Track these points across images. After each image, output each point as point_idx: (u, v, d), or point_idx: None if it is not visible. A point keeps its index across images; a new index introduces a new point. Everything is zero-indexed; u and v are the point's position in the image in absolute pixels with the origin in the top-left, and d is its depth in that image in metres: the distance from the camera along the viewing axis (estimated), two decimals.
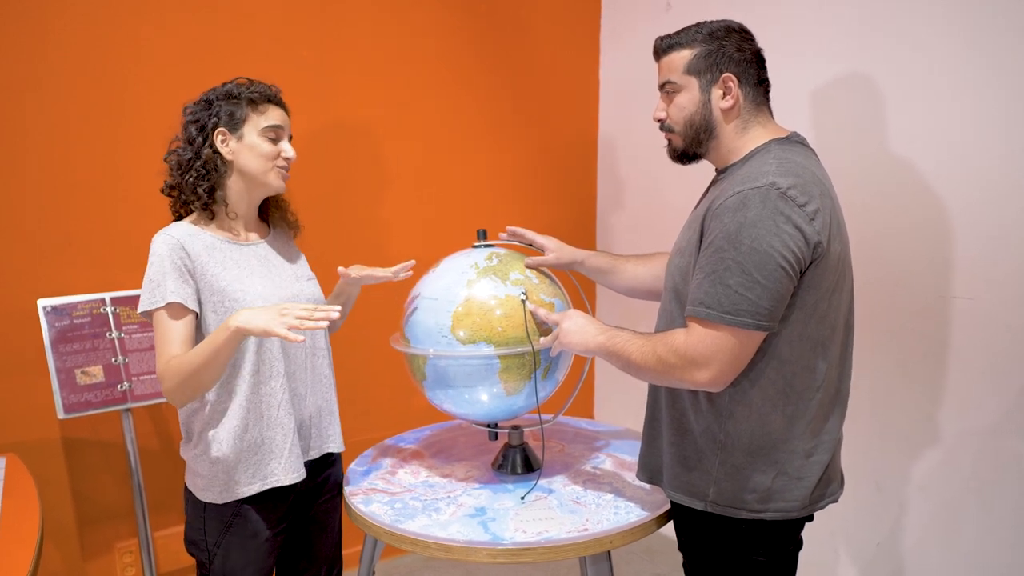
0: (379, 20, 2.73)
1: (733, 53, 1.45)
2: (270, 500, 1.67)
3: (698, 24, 1.49)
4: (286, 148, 1.67)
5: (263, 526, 1.67)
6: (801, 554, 1.54)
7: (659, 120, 1.55)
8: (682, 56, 1.47)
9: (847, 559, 2.39)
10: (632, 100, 3.11)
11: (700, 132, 1.49)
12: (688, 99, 1.48)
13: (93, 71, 2.29)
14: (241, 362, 1.62)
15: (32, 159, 2.23)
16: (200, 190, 1.62)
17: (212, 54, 2.43)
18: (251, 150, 1.63)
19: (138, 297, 1.61)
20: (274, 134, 1.65)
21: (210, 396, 1.62)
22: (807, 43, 2.35)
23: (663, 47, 1.51)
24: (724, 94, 1.46)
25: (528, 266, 1.78)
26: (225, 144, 1.63)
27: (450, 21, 2.88)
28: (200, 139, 1.62)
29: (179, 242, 1.57)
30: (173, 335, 1.55)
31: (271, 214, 1.80)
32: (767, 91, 1.50)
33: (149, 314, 1.58)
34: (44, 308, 2.11)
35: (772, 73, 1.52)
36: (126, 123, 2.34)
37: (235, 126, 1.62)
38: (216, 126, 1.62)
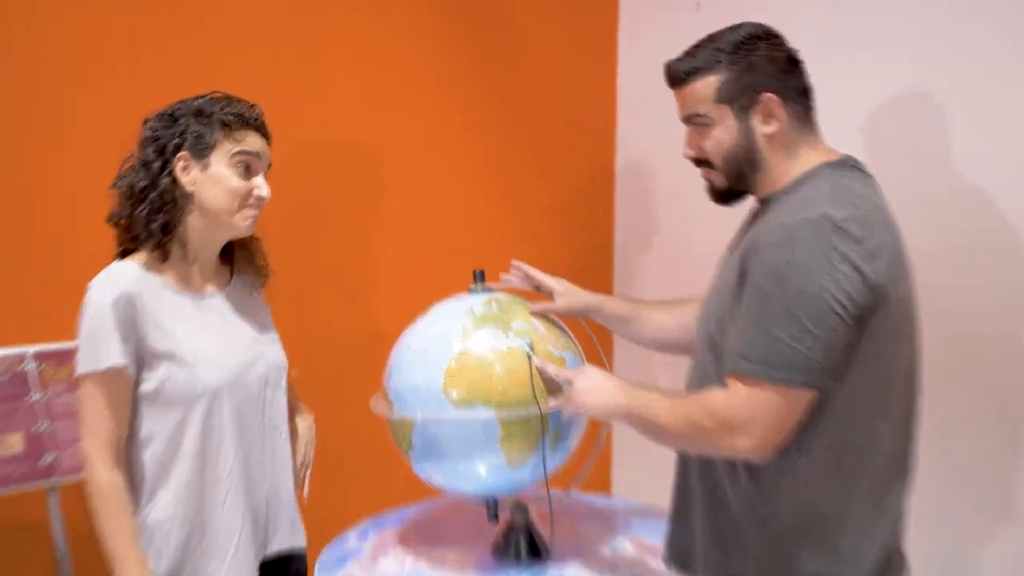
0: (366, 37, 2.72)
1: (766, 66, 1.40)
2: None
3: (713, 38, 1.43)
4: (259, 184, 1.55)
5: None
6: None
7: (691, 159, 1.50)
8: (708, 84, 1.42)
9: None
10: (656, 115, 3.01)
11: (743, 166, 1.43)
12: (725, 132, 1.43)
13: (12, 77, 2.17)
14: (182, 438, 1.53)
15: None
16: (153, 227, 1.50)
17: (175, 63, 2.33)
18: (217, 183, 1.52)
19: (68, 352, 1.54)
20: (247, 164, 1.54)
21: (144, 474, 1.53)
22: (861, 51, 2.29)
23: (682, 74, 1.44)
24: (766, 118, 1.40)
25: (534, 313, 1.73)
26: (186, 172, 1.51)
27: (446, 28, 2.84)
28: (158, 164, 1.51)
29: (124, 291, 1.47)
30: (105, 413, 1.48)
31: (237, 256, 1.69)
32: (810, 98, 1.44)
33: (83, 376, 1.47)
34: None
35: (817, 90, 1.44)
36: (55, 143, 2.22)
37: (202, 152, 1.51)
38: (179, 148, 1.51)
